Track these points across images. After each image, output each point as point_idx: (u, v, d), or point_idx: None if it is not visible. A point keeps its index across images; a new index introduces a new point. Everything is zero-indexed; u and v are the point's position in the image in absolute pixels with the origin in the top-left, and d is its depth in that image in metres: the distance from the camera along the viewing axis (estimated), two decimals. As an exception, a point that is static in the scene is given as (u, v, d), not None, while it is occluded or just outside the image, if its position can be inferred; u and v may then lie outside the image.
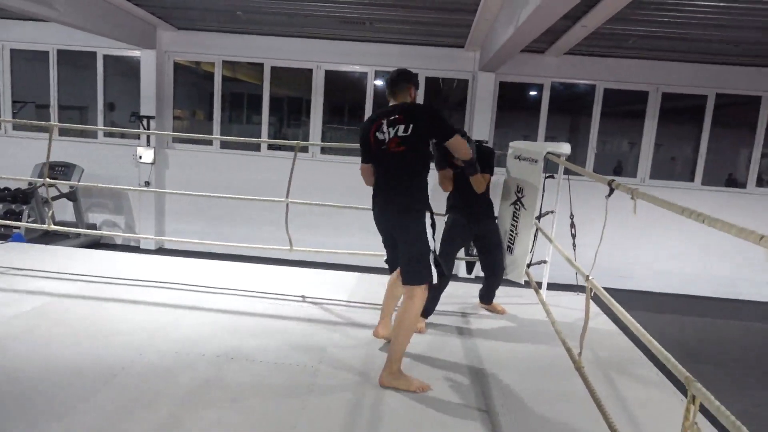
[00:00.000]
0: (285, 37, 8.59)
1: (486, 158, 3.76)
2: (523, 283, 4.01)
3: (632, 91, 8.50)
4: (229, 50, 8.67)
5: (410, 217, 2.95)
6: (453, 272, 8.39)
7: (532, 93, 8.87)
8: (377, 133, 3.06)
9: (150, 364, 2.99)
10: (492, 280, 4.05)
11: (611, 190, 2.39)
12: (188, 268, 4.83)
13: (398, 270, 3.13)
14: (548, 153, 3.70)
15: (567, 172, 4.01)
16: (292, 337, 3.47)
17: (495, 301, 4.15)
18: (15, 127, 8.88)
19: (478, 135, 8.24)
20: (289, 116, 9.80)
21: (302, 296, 4.24)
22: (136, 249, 8.35)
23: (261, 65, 8.75)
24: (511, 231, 3.98)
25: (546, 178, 3.87)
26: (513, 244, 3.97)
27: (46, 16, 6.54)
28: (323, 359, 3.17)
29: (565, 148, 3.80)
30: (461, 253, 4.37)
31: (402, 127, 2.99)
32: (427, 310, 3.74)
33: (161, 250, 8.34)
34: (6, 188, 7.89)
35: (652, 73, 8.32)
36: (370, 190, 3.24)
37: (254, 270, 4.95)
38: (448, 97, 9.53)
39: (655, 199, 1.99)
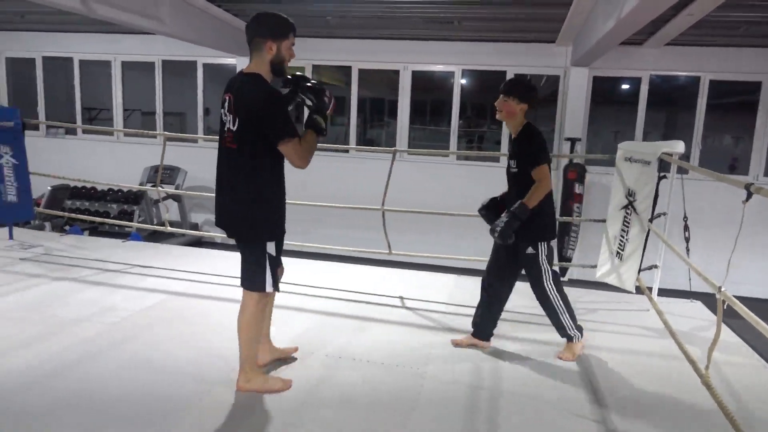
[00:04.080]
0: (372, 39, 8.70)
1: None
2: (633, 290, 3.83)
3: (741, 81, 7.89)
4: (319, 54, 8.90)
5: (246, 236, 2.65)
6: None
7: (625, 87, 8.47)
8: (222, 111, 2.55)
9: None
10: (498, 304, 3.36)
11: (749, 195, 2.22)
12: (288, 268, 5.00)
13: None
14: (663, 153, 3.51)
15: (680, 171, 3.78)
16: (394, 338, 3.51)
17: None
18: (125, 133, 9.59)
19: (570, 132, 7.97)
20: (372, 117, 9.94)
21: (401, 297, 4.28)
22: (234, 248, 8.77)
23: (349, 68, 8.92)
24: (621, 236, 3.81)
25: (660, 178, 3.67)
26: (623, 250, 3.80)
27: (154, 30, 7.01)
28: (429, 362, 3.18)
29: (680, 146, 3.60)
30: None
31: (231, 118, 2.48)
32: (485, 333, 3.37)
33: (256, 249, 8.70)
34: (119, 190, 8.55)
35: (765, 62, 7.68)
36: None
37: (352, 270, 5.05)
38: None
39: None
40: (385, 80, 9.37)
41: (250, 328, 2.67)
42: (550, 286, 3.18)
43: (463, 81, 8.81)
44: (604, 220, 4.19)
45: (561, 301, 3.20)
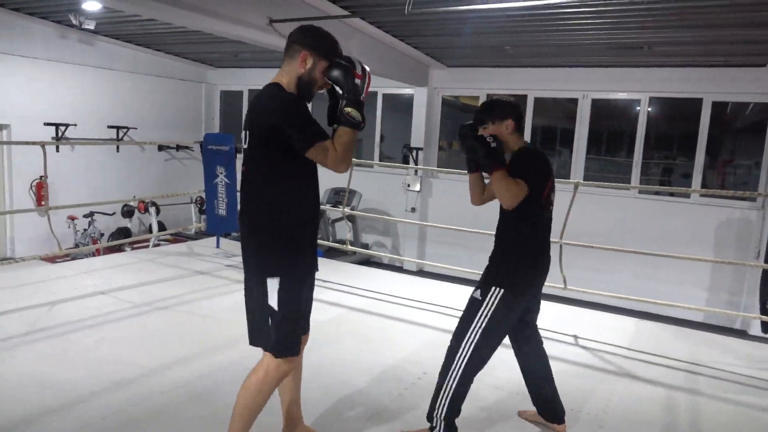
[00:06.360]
0: (549, 68, 8.52)
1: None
2: None
3: None
4: (493, 83, 8.94)
5: (257, 275, 2.17)
6: (744, 329, 7.12)
7: None
8: None
9: (433, 385, 3.16)
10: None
11: None
12: (453, 293, 5.04)
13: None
14: None
15: None
16: (568, 379, 3.33)
17: None
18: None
19: (782, 167, 6.97)
20: (543, 145, 9.67)
21: (575, 336, 4.07)
22: (399, 269, 9.09)
23: (525, 97, 8.82)
24: None
25: None
26: None
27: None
28: (609, 410, 2.97)
29: None
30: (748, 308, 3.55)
31: (245, 135, 2.13)
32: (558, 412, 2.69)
33: (421, 273, 8.91)
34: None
35: None
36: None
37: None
38: (735, 122, 8.32)
39: None
40: (557, 108, 9.10)
41: (249, 396, 2.18)
42: (466, 349, 2.41)
43: (649, 109, 8.21)
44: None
45: (459, 378, 2.43)
